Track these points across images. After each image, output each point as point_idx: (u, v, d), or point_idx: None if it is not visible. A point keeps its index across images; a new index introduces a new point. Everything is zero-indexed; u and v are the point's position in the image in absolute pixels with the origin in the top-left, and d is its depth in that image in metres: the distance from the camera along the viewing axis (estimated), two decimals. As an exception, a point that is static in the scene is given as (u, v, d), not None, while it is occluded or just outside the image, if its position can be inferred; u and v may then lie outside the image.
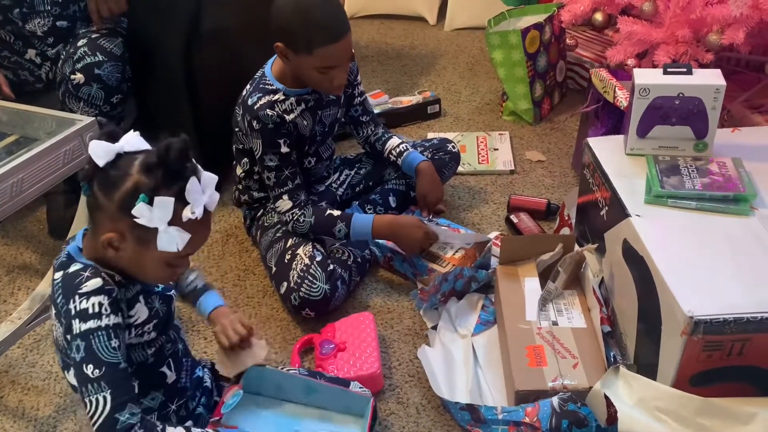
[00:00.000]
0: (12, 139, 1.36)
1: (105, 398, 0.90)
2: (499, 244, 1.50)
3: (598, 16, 2.21)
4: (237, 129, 1.57)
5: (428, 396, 1.34)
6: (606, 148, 1.46)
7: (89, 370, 0.91)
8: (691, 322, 1.04)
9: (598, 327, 1.29)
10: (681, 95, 1.34)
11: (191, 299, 1.27)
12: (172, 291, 1.11)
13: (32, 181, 1.25)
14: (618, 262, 1.32)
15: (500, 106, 2.32)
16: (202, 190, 0.95)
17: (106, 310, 0.93)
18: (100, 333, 0.92)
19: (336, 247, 1.60)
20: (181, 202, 0.93)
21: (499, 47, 2.16)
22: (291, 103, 1.51)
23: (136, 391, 1.00)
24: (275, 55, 1.51)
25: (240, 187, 1.70)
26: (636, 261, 1.22)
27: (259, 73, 1.55)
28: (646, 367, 1.19)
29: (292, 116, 1.51)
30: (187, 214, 0.93)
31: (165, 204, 0.91)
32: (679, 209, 1.28)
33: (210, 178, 0.97)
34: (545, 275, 1.41)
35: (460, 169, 1.92)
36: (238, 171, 1.66)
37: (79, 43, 1.64)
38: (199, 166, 0.97)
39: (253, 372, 1.20)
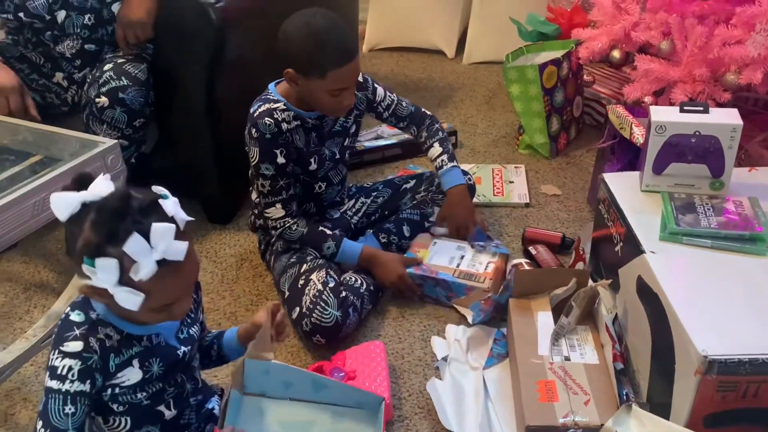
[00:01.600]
0: (36, 159, 1.39)
1: None
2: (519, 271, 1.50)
3: (616, 54, 2.23)
4: (246, 148, 1.59)
5: (437, 428, 1.33)
6: (621, 184, 1.46)
7: (38, 425, 0.94)
8: (705, 361, 1.03)
9: (611, 364, 1.27)
10: (697, 133, 1.35)
11: (216, 350, 1.22)
12: (184, 349, 1.07)
13: (54, 200, 1.27)
14: (632, 298, 1.31)
15: (516, 139, 2.34)
16: (152, 246, 0.88)
17: (72, 375, 0.93)
18: (58, 396, 0.93)
19: (350, 274, 1.61)
20: (129, 260, 0.88)
21: (516, 81, 2.18)
22: (289, 115, 1.54)
23: (128, 426, 1.01)
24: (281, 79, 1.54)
25: (255, 211, 1.72)
26: (650, 298, 1.22)
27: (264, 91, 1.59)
28: (660, 406, 1.18)
29: (288, 126, 1.53)
30: (133, 274, 0.88)
31: (106, 266, 0.87)
32: (694, 247, 1.27)
33: (162, 229, 0.88)
34: (558, 310, 1.40)
35: (475, 200, 1.92)
36: (253, 196, 1.68)
37: (105, 68, 1.68)
38: (161, 212, 0.90)
39: (259, 367, 1.14)
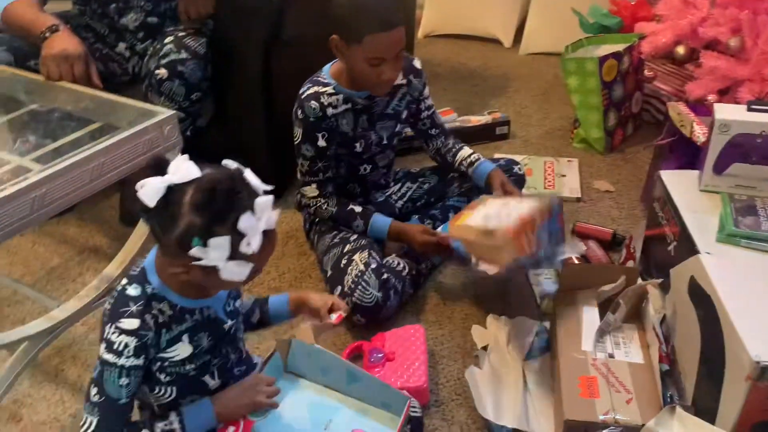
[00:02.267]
0: (96, 126, 1.42)
1: (92, 422, 0.97)
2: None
3: (680, 50, 2.16)
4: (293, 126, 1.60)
5: (473, 416, 1.32)
6: (679, 183, 1.42)
7: (93, 391, 0.97)
8: (757, 367, 0.99)
9: (656, 364, 1.24)
10: (764, 134, 1.30)
11: (258, 314, 1.24)
12: (230, 322, 1.10)
13: (111, 167, 1.30)
14: (682, 299, 1.27)
15: (571, 132, 2.29)
16: (258, 218, 0.91)
17: (128, 352, 0.96)
18: (114, 369, 0.96)
19: (393, 257, 1.61)
20: (237, 235, 0.90)
21: (574, 73, 2.13)
22: (337, 99, 1.53)
23: (173, 395, 1.04)
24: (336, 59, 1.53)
25: (302, 192, 1.73)
26: (702, 300, 1.18)
27: (318, 72, 1.59)
28: (705, 410, 1.14)
29: (333, 111, 1.53)
30: (243, 248, 0.91)
31: (220, 244, 0.89)
32: (753, 251, 1.23)
33: (264, 203, 0.93)
34: (605, 306, 1.37)
35: (524, 192, 1.89)
36: (299, 170, 1.69)
37: (166, 40, 1.71)
38: (253, 189, 0.93)
39: (304, 349, 1.17)
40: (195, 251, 0.89)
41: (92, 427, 0.96)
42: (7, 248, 1.84)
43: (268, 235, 0.94)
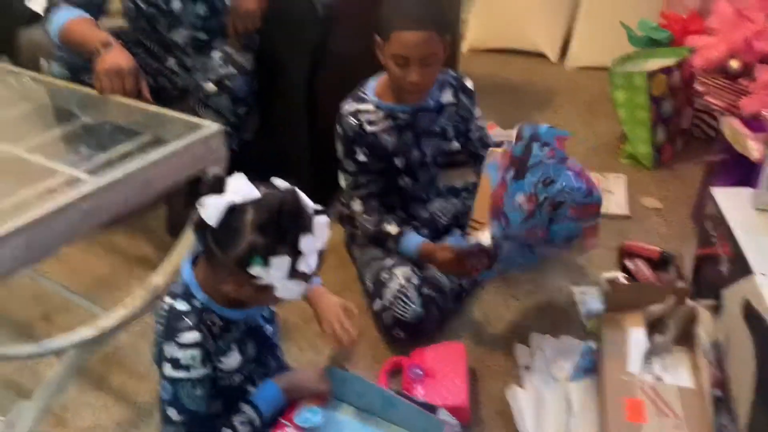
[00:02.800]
0: (145, 139, 1.46)
1: None
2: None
3: (734, 64, 2.10)
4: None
5: (515, 437, 1.30)
6: (732, 201, 1.37)
7: (172, 413, 1.00)
8: (817, 396, 0.95)
9: (708, 389, 1.20)
10: (824, 151, 1.25)
11: None
12: (269, 327, 1.13)
13: (159, 179, 1.32)
14: (736, 322, 1.23)
15: (618, 148, 2.25)
16: (316, 237, 0.94)
17: (196, 363, 0.99)
18: (187, 383, 0.99)
19: (434, 273, 1.59)
20: (296, 254, 0.93)
21: (621, 88, 2.10)
22: (378, 116, 1.54)
23: (219, 408, 1.05)
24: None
25: (343, 200, 1.74)
26: (757, 323, 1.13)
27: (361, 85, 1.59)
28: (760, 440, 1.10)
29: (374, 128, 1.54)
30: (302, 267, 0.93)
31: (280, 264, 0.92)
32: (812, 273, 1.17)
33: (321, 223, 0.96)
34: (653, 327, 1.34)
35: (569, 208, 1.86)
36: (342, 183, 1.69)
37: (215, 55, 1.75)
38: (309, 210, 0.96)
39: (339, 375, 1.19)
40: (256, 270, 0.91)
41: None
42: (59, 257, 1.88)
43: (321, 253, 0.97)
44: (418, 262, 1.58)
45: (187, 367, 0.99)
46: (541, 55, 3.07)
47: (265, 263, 0.91)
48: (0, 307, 1.73)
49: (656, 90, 2.07)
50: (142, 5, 1.78)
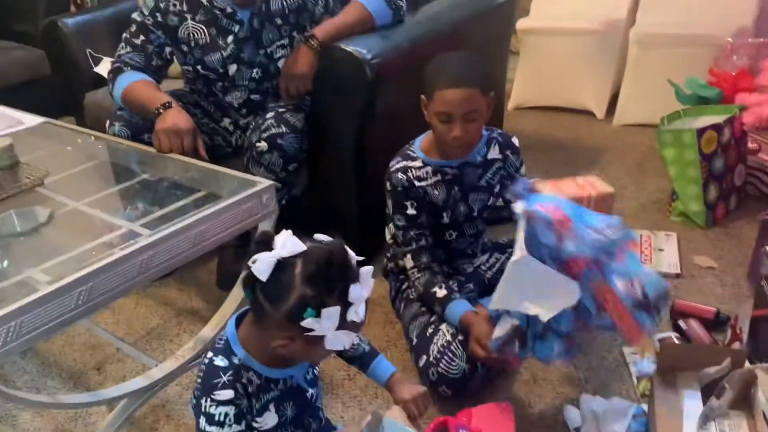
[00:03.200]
0: (200, 194, 1.51)
1: None
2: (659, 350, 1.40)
3: (787, 121, 2.07)
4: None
5: (565, 503, 1.25)
6: (789, 260, 1.33)
7: None
8: None
9: (770, 458, 1.14)
10: None
11: (358, 363, 1.28)
12: (312, 391, 1.14)
13: (212, 233, 1.37)
14: (798, 387, 1.17)
15: (669, 206, 2.21)
16: (363, 287, 0.97)
17: (230, 420, 1.00)
18: None
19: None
20: (345, 304, 0.95)
21: (671, 145, 2.08)
22: (427, 172, 1.57)
23: None
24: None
25: (388, 254, 1.75)
26: (821, 389, 1.08)
27: (408, 144, 1.63)
28: None
29: (423, 183, 1.56)
30: (351, 316, 0.95)
31: (332, 314, 0.94)
32: None
33: (367, 273, 0.98)
34: (708, 390, 1.28)
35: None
36: (387, 237, 1.71)
37: (267, 116, 1.82)
38: (354, 260, 0.98)
39: (391, 427, 1.17)
40: (308, 322, 0.93)
41: None
42: (113, 308, 1.95)
43: (366, 302, 0.99)
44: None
45: (220, 424, 1.00)
46: (588, 113, 3.08)
47: (317, 315, 0.93)
48: (57, 355, 1.79)
49: (707, 147, 2.05)
50: (200, 69, 1.88)
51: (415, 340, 1.56)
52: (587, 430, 1.37)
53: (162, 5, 1.81)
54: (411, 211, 1.57)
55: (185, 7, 1.81)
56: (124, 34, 1.87)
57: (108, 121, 1.85)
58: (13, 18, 3.44)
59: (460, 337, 1.48)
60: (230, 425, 1.00)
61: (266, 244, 0.97)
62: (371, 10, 1.85)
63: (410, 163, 1.57)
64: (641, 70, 2.83)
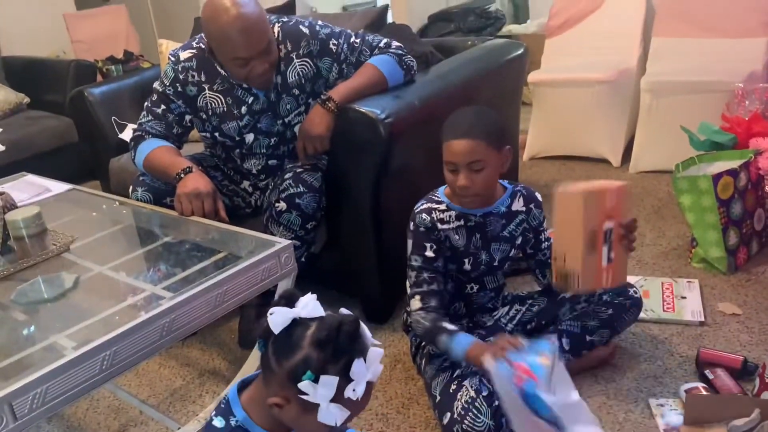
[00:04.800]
0: (221, 255, 1.54)
1: None
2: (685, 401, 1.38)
3: (803, 164, 2.06)
4: None
5: None
6: (813, 306, 1.31)
7: None
8: None
9: None
10: None
11: None
12: None
13: (233, 293, 1.39)
14: (831, 438, 1.14)
15: (689, 252, 2.20)
16: (368, 366, 0.97)
17: None
18: None
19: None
20: (345, 379, 0.95)
21: (687, 192, 2.08)
22: (450, 216, 1.60)
23: None
24: None
25: (408, 309, 1.75)
26: None
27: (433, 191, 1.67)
28: None
29: (445, 227, 1.59)
30: (348, 393, 0.95)
31: (329, 383, 0.94)
32: None
33: (376, 354, 0.98)
34: (739, 443, 1.25)
35: (642, 315, 1.81)
36: (408, 289, 1.71)
37: (286, 176, 1.86)
38: (367, 341, 0.99)
39: None
40: (304, 384, 0.94)
41: None
42: (137, 370, 1.97)
43: (369, 386, 0.98)
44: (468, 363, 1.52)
45: None
46: (603, 161, 3.10)
47: (315, 380, 0.94)
48: (81, 419, 1.80)
49: (723, 193, 2.05)
50: (218, 136, 1.94)
51: (438, 397, 1.54)
52: (616, 486, 1.34)
53: (181, 76, 1.88)
54: (429, 254, 1.58)
55: (203, 78, 1.88)
56: (146, 103, 1.94)
57: (131, 187, 1.91)
58: (43, 88, 3.59)
59: (485, 393, 1.47)
60: None
61: (289, 301, 1.00)
62: (384, 72, 1.91)
63: (435, 206, 1.60)
64: (654, 118, 2.85)
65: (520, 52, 2.44)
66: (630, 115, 3.09)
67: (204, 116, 1.92)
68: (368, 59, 1.92)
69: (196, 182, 1.72)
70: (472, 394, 1.47)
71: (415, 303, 1.61)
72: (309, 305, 0.99)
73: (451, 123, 1.54)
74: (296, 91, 1.89)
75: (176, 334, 1.28)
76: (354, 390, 0.95)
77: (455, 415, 1.46)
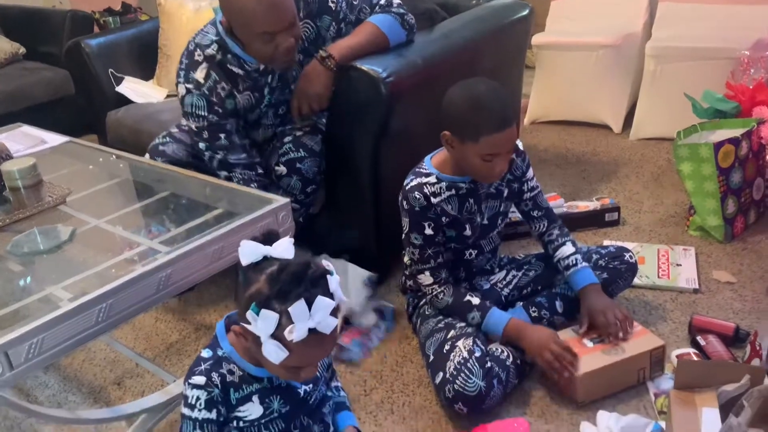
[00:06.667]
0: (219, 212, 1.54)
1: None
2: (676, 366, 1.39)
3: (806, 134, 2.05)
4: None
5: None
6: (808, 275, 1.32)
7: None
8: None
9: (790, 477, 1.12)
10: None
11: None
12: (305, 388, 1.15)
13: (229, 250, 1.38)
14: (818, 405, 1.16)
15: (686, 220, 2.20)
16: (310, 314, 0.97)
17: (200, 405, 1.05)
18: (189, 422, 1.06)
19: (496, 345, 1.58)
20: (287, 319, 0.96)
21: (687, 160, 2.07)
22: (441, 188, 1.58)
23: None
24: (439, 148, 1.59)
25: (406, 273, 1.76)
26: (841, 406, 1.07)
27: (419, 163, 1.64)
28: None
29: (437, 200, 1.57)
30: (286, 333, 0.96)
31: (269, 318, 0.96)
32: None
33: (324, 303, 0.97)
34: (727, 408, 1.27)
35: (636, 281, 1.82)
36: (405, 258, 1.72)
37: (285, 140, 1.83)
38: (325, 289, 0.99)
39: None
40: (249, 315, 0.98)
41: None
42: (133, 324, 1.98)
43: (317, 337, 0.98)
44: (503, 339, 1.57)
45: (191, 406, 1.05)
46: (604, 127, 3.08)
47: (257, 313, 0.97)
48: (77, 370, 1.82)
49: (724, 161, 2.04)
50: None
51: (431, 357, 1.56)
52: (604, 447, 1.36)
53: (214, 99, 1.75)
54: (428, 231, 1.58)
55: (228, 85, 1.77)
56: (201, 144, 1.79)
57: (148, 156, 1.88)
58: (39, 39, 3.53)
59: (477, 354, 1.48)
60: (200, 409, 1.05)
61: (266, 239, 1.03)
62: (385, 31, 1.86)
63: (424, 180, 1.58)
64: (657, 84, 2.82)
65: (525, 12, 2.40)
66: (633, 81, 3.05)
67: (241, 113, 1.85)
68: (368, 18, 1.87)
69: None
70: (465, 354, 1.48)
71: (426, 278, 1.62)
72: (281, 246, 1.02)
73: (485, 114, 1.45)
74: (301, 57, 1.83)
75: (172, 288, 1.28)
76: (291, 332, 0.96)
77: (447, 375, 1.48)
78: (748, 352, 1.55)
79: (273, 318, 0.96)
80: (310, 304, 0.97)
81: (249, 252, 1.01)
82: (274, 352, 0.98)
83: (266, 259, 1.01)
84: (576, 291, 1.65)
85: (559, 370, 1.49)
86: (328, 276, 1.01)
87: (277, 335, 0.97)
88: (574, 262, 1.66)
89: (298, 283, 0.97)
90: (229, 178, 1.79)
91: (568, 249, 1.69)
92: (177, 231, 1.47)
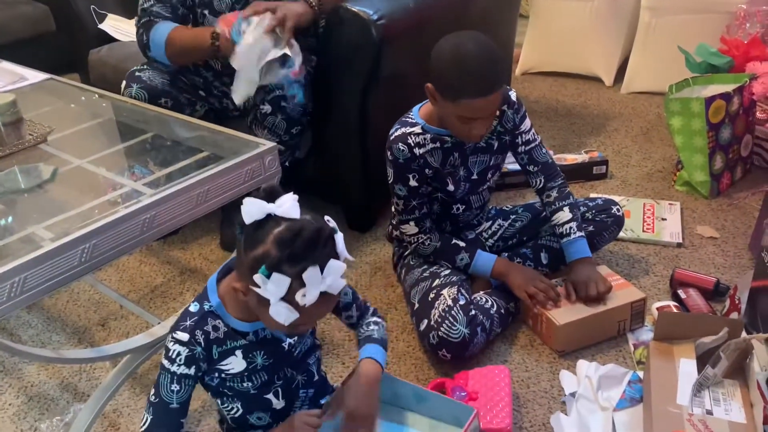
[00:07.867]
0: (203, 155, 1.51)
1: (147, 419, 1.07)
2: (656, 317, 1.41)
3: (797, 91, 2.04)
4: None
5: (558, 464, 1.28)
6: (791, 231, 1.33)
7: (151, 393, 1.07)
8: None
9: (761, 426, 1.16)
10: None
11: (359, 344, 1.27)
12: (290, 340, 1.15)
13: (214, 193, 1.37)
14: (793, 357, 1.18)
15: (673, 175, 2.20)
16: (323, 278, 0.96)
17: (180, 360, 1.05)
18: (167, 375, 1.06)
19: (481, 294, 1.59)
20: (299, 283, 0.95)
21: (678, 114, 2.06)
22: (425, 138, 1.55)
23: (240, 411, 1.12)
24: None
25: (393, 221, 1.75)
26: (815, 359, 1.09)
27: (407, 112, 1.61)
28: (816, 481, 1.05)
29: (422, 150, 1.55)
30: (298, 297, 0.95)
31: (280, 281, 0.94)
32: None
33: (336, 267, 0.97)
34: (704, 359, 1.30)
35: (621, 234, 1.83)
36: (393, 208, 1.71)
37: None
38: (335, 250, 0.99)
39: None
40: (258, 278, 0.95)
41: (146, 425, 1.06)
42: (117, 266, 1.97)
43: (325, 297, 0.98)
44: (489, 278, 1.62)
45: (172, 360, 1.05)
46: (596, 79, 3.05)
47: (268, 276, 0.95)
48: (61, 311, 1.81)
49: (714, 117, 2.03)
50: (207, 14, 1.83)
51: (416, 305, 1.57)
52: (582, 395, 1.39)
53: None
54: (413, 183, 1.56)
55: None
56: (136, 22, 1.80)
57: (124, 82, 1.83)
58: (16, -28, 3.39)
59: (461, 302, 1.49)
60: (179, 365, 1.05)
61: (269, 196, 1.00)
62: None
63: (409, 129, 1.55)
64: (652, 37, 2.79)
65: (521, -42, 2.34)
66: (627, 34, 3.01)
67: (199, 12, 1.81)
68: None
69: None
70: (450, 302, 1.49)
71: (411, 228, 1.61)
72: (286, 204, 0.98)
73: (469, 77, 1.37)
74: None
75: (156, 230, 1.27)
76: (304, 296, 0.95)
77: (432, 322, 1.49)
78: (727, 306, 1.58)
79: (285, 282, 0.94)
80: (322, 269, 0.96)
81: (254, 210, 0.97)
82: (283, 314, 0.97)
83: (270, 217, 0.98)
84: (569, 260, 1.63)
85: (542, 303, 1.54)
86: (335, 236, 1.00)
87: (288, 298, 0.96)
88: (568, 231, 1.62)
89: (312, 248, 0.96)
90: (146, 25, 1.79)
91: (564, 215, 1.63)
92: (161, 173, 1.45)
